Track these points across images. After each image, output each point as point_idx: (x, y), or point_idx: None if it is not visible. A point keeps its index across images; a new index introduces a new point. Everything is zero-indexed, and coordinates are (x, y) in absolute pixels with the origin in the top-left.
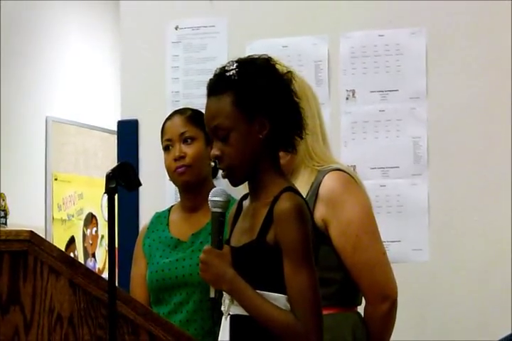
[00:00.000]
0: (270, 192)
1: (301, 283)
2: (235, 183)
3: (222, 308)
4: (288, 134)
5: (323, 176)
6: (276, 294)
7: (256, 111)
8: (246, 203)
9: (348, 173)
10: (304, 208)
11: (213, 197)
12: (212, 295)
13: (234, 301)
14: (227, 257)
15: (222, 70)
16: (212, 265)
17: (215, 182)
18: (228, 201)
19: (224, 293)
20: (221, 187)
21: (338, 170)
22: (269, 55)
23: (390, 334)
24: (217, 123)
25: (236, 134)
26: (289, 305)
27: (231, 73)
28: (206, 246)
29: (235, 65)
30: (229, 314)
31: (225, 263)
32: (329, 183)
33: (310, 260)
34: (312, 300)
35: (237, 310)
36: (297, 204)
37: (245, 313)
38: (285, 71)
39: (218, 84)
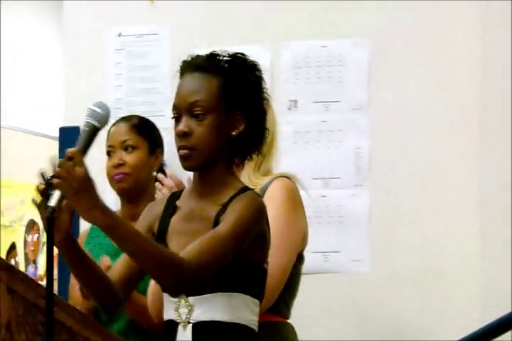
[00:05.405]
0: (225, 194)
1: (216, 242)
2: (191, 167)
3: (177, 316)
4: (255, 143)
5: (271, 181)
6: (242, 294)
7: (237, 106)
8: (183, 204)
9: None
10: (265, 211)
11: (94, 106)
12: (52, 204)
13: (193, 307)
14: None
15: (213, 53)
16: (80, 185)
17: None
18: (108, 116)
19: (178, 298)
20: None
21: (285, 177)
22: None
23: None
24: (198, 100)
25: (213, 118)
26: (256, 309)
27: (223, 59)
28: (63, 161)
29: (228, 53)
30: (189, 322)
31: (96, 191)
32: (274, 188)
33: (236, 235)
34: (217, 252)
35: (200, 316)
36: (260, 202)
37: (209, 319)
38: None
39: (208, 63)
